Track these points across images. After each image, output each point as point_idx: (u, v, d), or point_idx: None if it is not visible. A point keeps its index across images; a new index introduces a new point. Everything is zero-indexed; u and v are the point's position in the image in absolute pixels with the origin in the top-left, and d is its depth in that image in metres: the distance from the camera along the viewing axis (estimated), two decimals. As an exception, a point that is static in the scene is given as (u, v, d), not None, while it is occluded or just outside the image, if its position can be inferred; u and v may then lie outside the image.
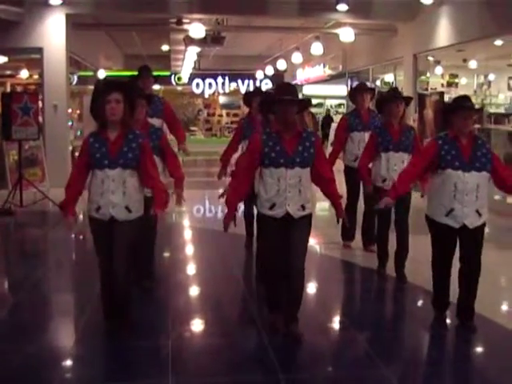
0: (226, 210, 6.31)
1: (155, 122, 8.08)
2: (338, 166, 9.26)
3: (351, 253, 9.64)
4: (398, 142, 8.11)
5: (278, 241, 6.09)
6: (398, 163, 8.05)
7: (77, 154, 17.81)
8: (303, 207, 6.08)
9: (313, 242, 10.05)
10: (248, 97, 9.35)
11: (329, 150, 19.43)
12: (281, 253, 6.08)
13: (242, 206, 9.25)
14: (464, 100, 6.42)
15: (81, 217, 10.31)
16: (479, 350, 6.32)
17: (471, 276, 6.35)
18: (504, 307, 7.64)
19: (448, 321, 6.64)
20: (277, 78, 30.50)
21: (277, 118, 6.11)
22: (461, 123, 6.25)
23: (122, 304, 6.15)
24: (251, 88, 31.54)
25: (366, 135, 9.12)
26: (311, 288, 8.02)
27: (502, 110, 20.21)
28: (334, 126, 21.79)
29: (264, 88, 29.10)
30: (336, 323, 6.94)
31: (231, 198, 6.34)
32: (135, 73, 9.05)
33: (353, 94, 9.80)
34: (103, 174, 5.92)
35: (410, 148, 8.12)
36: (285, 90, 6.16)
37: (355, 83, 23.23)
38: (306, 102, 6.49)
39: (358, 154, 9.14)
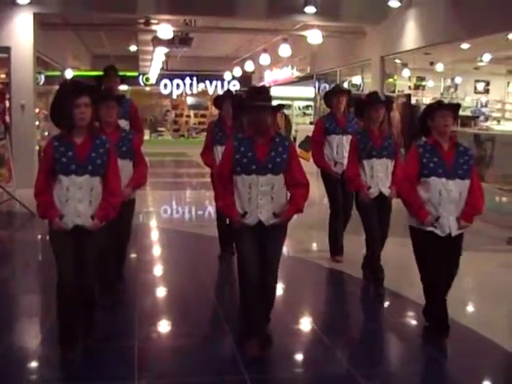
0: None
1: (123, 123, 7.98)
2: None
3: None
4: (381, 147, 7.81)
5: (252, 251, 5.85)
6: (381, 170, 7.80)
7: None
8: (275, 215, 5.86)
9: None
10: (219, 100, 9.27)
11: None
12: (255, 266, 5.84)
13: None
14: (437, 104, 6.36)
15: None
16: (446, 351, 6.38)
17: (449, 282, 6.30)
18: (468, 308, 7.73)
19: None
20: (245, 79, 30.57)
21: (249, 123, 5.91)
22: (440, 124, 6.14)
23: (88, 313, 5.94)
24: (219, 89, 31.63)
25: (344, 138, 8.97)
26: (284, 292, 8.05)
27: (468, 113, 20.40)
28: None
29: (232, 89, 29.20)
30: (304, 325, 6.96)
31: (224, 205, 6.01)
32: (101, 73, 9.01)
33: (328, 97, 9.41)
34: (69, 181, 5.58)
35: (393, 154, 7.86)
36: (257, 95, 6.03)
37: (323, 85, 23.40)
38: (279, 107, 6.14)
39: (336, 159, 9.06)
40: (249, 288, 5.85)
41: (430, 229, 6.13)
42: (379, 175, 7.77)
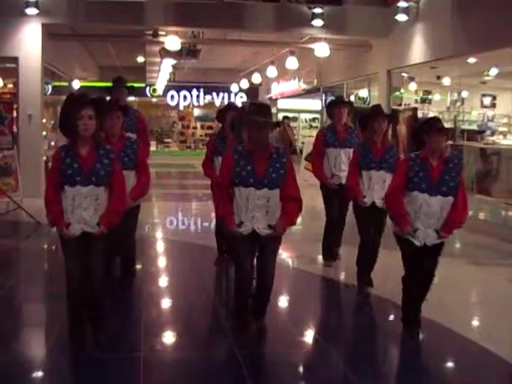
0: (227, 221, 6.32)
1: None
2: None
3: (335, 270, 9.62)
4: (381, 160, 8.03)
5: (247, 256, 6.26)
6: (378, 182, 8.04)
7: (50, 164, 17.77)
8: (270, 227, 6.21)
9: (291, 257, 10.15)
10: (222, 113, 9.31)
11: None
12: (251, 265, 6.32)
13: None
14: (436, 121, 6.49)
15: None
16: (449, 364, 6.36)
17: (424, 285, 6.56)
18: (473, 322, 7.72)
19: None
20: (252, 91, 30.60)
21: (250, 138, 6.19)
22: (434, 144, 6.31)
23: (96, 313, 6.18)
24: (226, 101, 31.61)
25: (342, 152, 9.10)
26: (285, 302, 8.06)
27: (474, 127, 20.41)
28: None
29: (239, 102, 29.27)
30: (305, 335, 6.95)
31: (223, 213, 6.36)
32: (110, 84, 9.04)
33: (330, 108, 9.53)
34: (75, 191, 5.80)
35: (393, 166, 7.88)
36: (258, 111, 6.26)
37: (330, 98, 23.42)
38: (278, 123, 6.66)
39: (333, 171, 9.18)
40: (244, 284, 6.36)
41: (408, 237, 6.38)
42: (375, 187, 8.07)
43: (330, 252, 9.68)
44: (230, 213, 6.23)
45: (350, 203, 8.68)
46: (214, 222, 9.62)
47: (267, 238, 6.26)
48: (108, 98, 8.29)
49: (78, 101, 5.95)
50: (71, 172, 5.79)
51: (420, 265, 6.46)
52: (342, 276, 9.34)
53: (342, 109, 9.36)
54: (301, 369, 6.16)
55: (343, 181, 8.81)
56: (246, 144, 6.22)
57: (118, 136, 7.29)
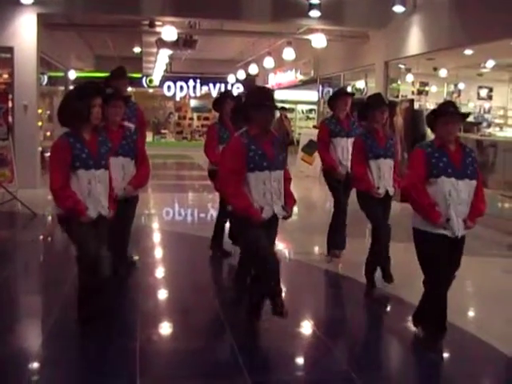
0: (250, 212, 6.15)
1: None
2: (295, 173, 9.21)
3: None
4: (386, 148, 7.93)
5: (266, 240, 6.20)
6: (387, 170, 7.93)
7: (47, 154, 17.72)
8: (283, 208, 6.30)
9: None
10: (219, 101, 9.30)
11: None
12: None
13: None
14: (447, 106, 6.30)
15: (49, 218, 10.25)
16: (446, 356, 6.36)
17: (451, 281, 6.25)
18: (469, 313, 7.73)
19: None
20: (248, 82, 30.57)
21: (258, 122, 6.15)
22: (444, 130, 6.09)
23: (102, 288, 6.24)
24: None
25: (349, 141, 8.98)
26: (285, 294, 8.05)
27: (471, 119, 20.39)
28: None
29: (235, 92, 29.20)
30: (304, 328, 6.94)
31: (244, 206, 6.10)
32: (106, 74, 9.01)
33: (333, 99, 9.37)
34: (90, 175, 6.00)
35: (394, 154, 8.00)
36: (265, 95, 6.29)
37: (327, 89, 23.44)
38: (282, 108, 6.68)
39: (342, 160, 9.10)
40: (274, 269, 6.17)
41: (440, 231, 6.01)
42: (385, 175, 7.92)
43: (337, 241, 9.45)
44: (251, 203, 6.11)
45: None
46: (210, 213, 9.58)
47: (274, 224, 6.36)
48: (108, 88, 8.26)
49: (92, 90, 6.13)
50: (85, 156, 5.96)
51: (450, 260, 6.14)
52: (339, 267, 9.29)
53: (346, 100, 9.32)
54: (297, 360, 6.16)
55: (349, 169, 8.74)
56: (250, 128, 6.18)
57: (118, 125, 7.36)
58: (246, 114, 6.23)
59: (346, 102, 9.30)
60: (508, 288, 8.55)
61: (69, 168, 5.94)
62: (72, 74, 24.45)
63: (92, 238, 6.04)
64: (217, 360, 5.92)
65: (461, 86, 21.51)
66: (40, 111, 17.98)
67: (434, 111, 6.30)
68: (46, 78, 20.08)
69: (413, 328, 6.59)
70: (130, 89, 29.60)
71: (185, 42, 21.56)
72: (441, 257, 6.05)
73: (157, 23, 18.22)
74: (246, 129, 6.21)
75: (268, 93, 6.43)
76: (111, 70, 9.00)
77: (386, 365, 6.24)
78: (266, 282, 6.22)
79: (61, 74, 23.05)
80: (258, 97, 6.27)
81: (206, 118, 34.43)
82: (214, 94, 32.66)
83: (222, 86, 32.94)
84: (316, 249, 9.85)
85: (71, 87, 21.64)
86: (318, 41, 18.10)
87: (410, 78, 20.05)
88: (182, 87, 33.79)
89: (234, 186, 6.11)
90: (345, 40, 20.02)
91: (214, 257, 9.50)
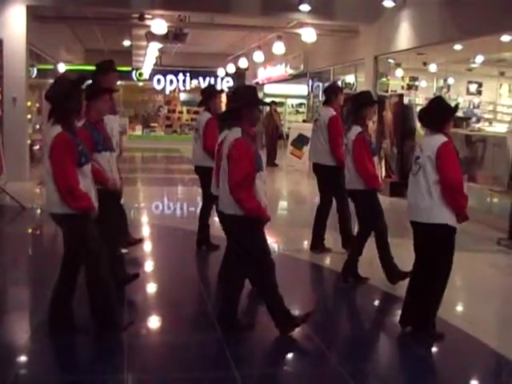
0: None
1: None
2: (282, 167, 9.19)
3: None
4: (375, 145, 7.97)
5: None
6: (377, 167, 7.99)
7: (36, 147, 17.67)
8: None
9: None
10: (210, 97, 9.19)
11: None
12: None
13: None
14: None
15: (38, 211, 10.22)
16: (433, 350, 6.38)
17: None
18: (457, 307, 7.76)
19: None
20: (238, 76, 30.54)
21: (250, 120, 6.12)
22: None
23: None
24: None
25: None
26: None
27: (460, 114, 20.43)
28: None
29: (224, 86, 29.23)
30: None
31: (258, 206, 5.98)
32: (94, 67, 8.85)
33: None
34: (88, 170, 5.94)
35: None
36: (255, 94, 6.34)
37: (317, 83, 23.46)
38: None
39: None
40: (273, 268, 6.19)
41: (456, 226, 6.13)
42: (378, 172, 8.04)
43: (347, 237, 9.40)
44: (260, 203, 6.03)
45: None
46: (199, 206, 9.58)
47: None
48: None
49: (81, 84, 6.11)
50: (85, 151, 5.93)
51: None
52: (328, 261, 9.31)
53: (340, 96, 9.43)
54: (284, 354, 6.17)
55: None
56: (245, 127, 6.05)
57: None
58: (238, 113, 6.11)
59: (342, 97, 9.38)
60: (496, 283, 8.60)
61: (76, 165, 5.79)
62: (61, 67, 24.35)
63: (100, 240, 6.00)
64: (204, 353, 5.93)
65: (450, 80, 21.54)
66: (29, 104, 17.92)
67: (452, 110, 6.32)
68: (35, 70, 20.01)
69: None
70: (119, 82, 29.71)
71: (175, 35, 21.53)
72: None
73: (147, 16, 18.15)
74: (242, 129, 6.05)
75: (256, 91, 6.47)
76: (97, 63, 8.69)
77: (373, 359, 6.27)
78: (267, 278, 6.25)
79: (50, 67, 22.97)
80: (250, 95, 6.26)
81: (196, 112, 34.36)
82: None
83: (212, 79, 32.90)
84: (305, 243, 9.85)
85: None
86: (308, 35, 18.09)
87: (399, 72, 20.07)
88: (171, 81, 33.78)
89: (249, 189, 5.94)
90: (335, 34, 20.03)
91: (202, 251, 9.48)
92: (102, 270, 5.98)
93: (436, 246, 6.18)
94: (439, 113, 6.21)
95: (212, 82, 32.56)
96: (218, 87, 29.16)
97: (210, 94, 9.34)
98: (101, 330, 6.04)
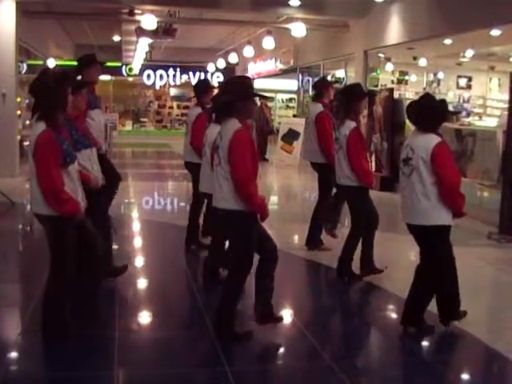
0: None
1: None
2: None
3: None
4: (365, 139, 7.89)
5: None
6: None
7: (26, 143, 17.58)
8: None
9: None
10: (206, 92, 9.11)
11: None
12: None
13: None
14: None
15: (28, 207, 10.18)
16: (424, 344, 6.39)
17: None
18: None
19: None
20: (228, 71, 30.53)
21: (245, 113, 5.90)
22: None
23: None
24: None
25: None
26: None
27: (450, 108, 20.45)
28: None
29: (215, 81, 29.19)
30: (286, 318, 6.93)
31: (262, 202, 5.86)
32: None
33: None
34: (75, 169, 5.71)
35: None
36: (250, 85, 6.03)
37: (307, 78, 23.46)
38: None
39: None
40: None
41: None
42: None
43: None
44: (265, 199, 5.96)
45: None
46: (190, 201, 9.56)
47: None
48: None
49: (68, 79, 5.91)
50: (70, 150, 5.65)
51: None
52: (320, 257, 9.30)
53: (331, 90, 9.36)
54: (277, 349, 6.19)
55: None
56: (241, 121, 5.79)
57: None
58: (232, 107, 5.82)
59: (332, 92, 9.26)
60: (486, 277, 8.62)
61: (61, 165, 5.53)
62: (51, 63, 24.28)
63: (74, 249, 5.76)
64: (196, 349, 5.93)
65: (440, 75, 21.57)
66: (19, 100, 17.86)
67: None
68: (24, 66, 19.96)
69: (392, 317, 6.62)
70: (109, 77, 29.70)
71: (164, 30, 21.49)
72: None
73: (136, 12, 18.14)
74: (240, 122, 5.80)
75: (250, 81, 6.21)
76: (78, 57, 8.47)
77: (365, 354, 6.28)
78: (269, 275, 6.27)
79: (40, 63, 22.91)
80: (244, 87, 5.98)
81: (186, 107, 34.33)
82: (194, 82, 32.52)
83: (202, 74, 32.86)
84: (296, 238, 9.84)
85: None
86: (298, 30, 18.10)
87: (389, 67, 20.10)
88: (161, 76, 33.79)
89: (255, 185, 5.75)
90: (325, 29, 20.04)
91: (191, 249, 9.41)
92: (63, 285, 5.77)
93: (434, 245, 6.19)
94: (434, 114, 6.15)
95: (202, 76, 32.50)
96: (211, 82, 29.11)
97: (203, 88, 9.27)
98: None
